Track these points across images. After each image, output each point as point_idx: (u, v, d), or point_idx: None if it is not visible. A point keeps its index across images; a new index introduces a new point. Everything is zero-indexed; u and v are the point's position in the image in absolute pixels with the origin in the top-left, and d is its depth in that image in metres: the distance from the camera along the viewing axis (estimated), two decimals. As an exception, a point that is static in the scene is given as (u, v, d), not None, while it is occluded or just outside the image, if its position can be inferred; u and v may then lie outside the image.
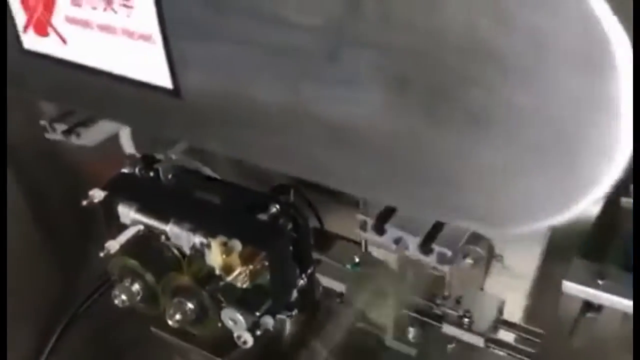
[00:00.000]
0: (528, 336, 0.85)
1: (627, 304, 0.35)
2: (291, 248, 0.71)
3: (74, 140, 0.61)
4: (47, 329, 0.85)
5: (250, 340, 0.73)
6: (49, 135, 0.64)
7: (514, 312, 1.03)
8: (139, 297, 0.79)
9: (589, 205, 0.30)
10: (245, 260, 0.68)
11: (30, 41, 0.47)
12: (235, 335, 0.73)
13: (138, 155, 0.79)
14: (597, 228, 0.39)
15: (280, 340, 0.87)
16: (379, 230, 0.54)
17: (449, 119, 0.32)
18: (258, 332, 0.69)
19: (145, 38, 0.40)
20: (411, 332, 0.86)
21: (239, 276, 0.68)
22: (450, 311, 0.88)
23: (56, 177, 0.85)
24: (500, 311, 0.95)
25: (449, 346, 0.84)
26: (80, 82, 0.46)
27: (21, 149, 0.79)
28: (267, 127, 0.39)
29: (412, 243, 0.53)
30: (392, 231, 0.54)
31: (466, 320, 0.88)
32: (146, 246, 0.79)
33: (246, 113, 0.39)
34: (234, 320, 0.71)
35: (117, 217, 0.78)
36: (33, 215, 0.84)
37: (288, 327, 0.88)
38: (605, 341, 0.36)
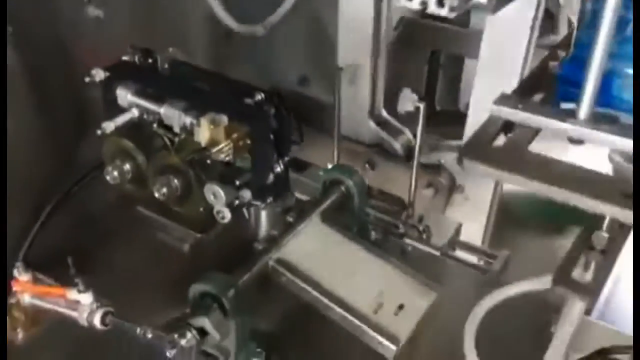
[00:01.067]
0: (484, 257, 0.97)
1: (537, 121, 0.44)
2: (272, 136, 0.80)
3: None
4: (38, 207, 0.92)
5: (228, 215, 0.81)
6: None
7: (474, 239, 1.14)
8: (129, 176, 0.86)
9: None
10: (229, 135, 0.76)
11: None
12: (215, 210, 0.81)
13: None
14: (526, 81, 0.48)
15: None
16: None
17: None
18: (237, 202, 0.77)
19: None
20: (373, 235, 0.95)
21: (224, 149, 0.76)
22: (411, 227, 0.98)
23: (58, 61, 0.92)
24: (458, 232, 1.06)
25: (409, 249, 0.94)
26: None
27: (28, 27, 0.85)
28: None
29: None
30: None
31: (425, 235, 0.98)
32: (139, 131, 0.87)
33: None
34: (215, 195, 0.79)
35: (115, 100, 0.86)
36: (33, 98, 0.91)
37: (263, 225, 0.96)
38: (517, 149, 0.45)
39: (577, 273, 0.53)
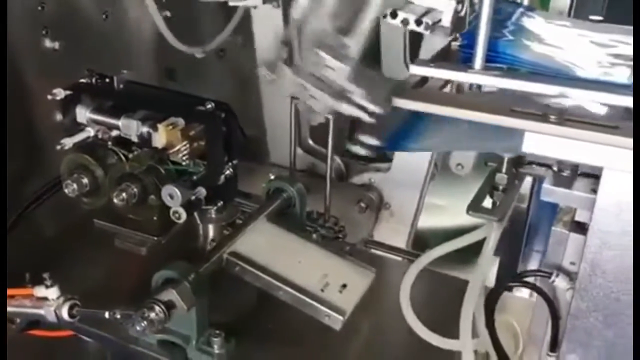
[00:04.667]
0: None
1: (445, 74, 0.58)
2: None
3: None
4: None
5: (184, 215, 0.89)
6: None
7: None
8: (87, 189, 0.93)
9: None
10: (185, 136, 0.86)
11: None
12: (172, 211, 0.89)
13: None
14: (435, 56, 0.62)
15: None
16: (394, 15, 0.60)
17: None
18: (193, 198, 0.86)
19: None
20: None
21: (181, 149, 0.86)
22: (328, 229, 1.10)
23: (13, 89, 0.98)
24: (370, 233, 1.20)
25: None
26: None
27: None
28: None
29: (411, 19, 0.60)
30: (401, 14, 0.60)
31: (341, 234, 1.10)
32: (95, 148, 0.95)
33: None
34: (172, 195, 0.87)
35: (74, 118, 0.94)
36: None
37: (211, 232, 1.05)
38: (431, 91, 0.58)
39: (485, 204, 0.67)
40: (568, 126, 0.50)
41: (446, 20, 0.60)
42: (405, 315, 0.78)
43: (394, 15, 0.61)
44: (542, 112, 0.51)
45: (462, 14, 0.59)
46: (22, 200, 0.98)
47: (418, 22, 0.61)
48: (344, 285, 0.88)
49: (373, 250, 1.15)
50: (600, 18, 0.75)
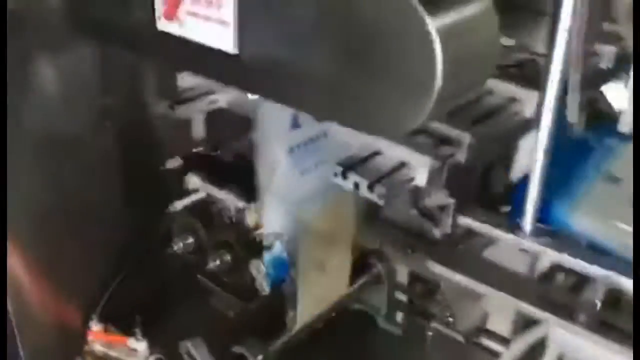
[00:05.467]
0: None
1: (489, 230, 0.55)
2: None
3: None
4: (116, 268, 1.10)
5: (267, 289, 0.95)
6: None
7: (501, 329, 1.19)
8: (191, 248, 1.03)
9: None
10: (273, 220, 0.91)
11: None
12: (257, 283, 0.95)
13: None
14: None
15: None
16: (344, 176, 0.62)
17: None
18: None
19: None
20: (399, 315, 1.05)
21: (266, 230, 0.91)
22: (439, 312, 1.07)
23: (145, 148, 1.11)
24: (483, 321, 1.13)
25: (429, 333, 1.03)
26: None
27: (127, 123, 1.06)
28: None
29: (362, 185, 0.61)
30: (352, 176, 0.61)
31: (451, 319, 1.06)
32: (203, 211, 1.04)
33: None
34: (258, 270, 0.94)
35: (186, 183, 1.04)
36: (123, 177, 1.10)
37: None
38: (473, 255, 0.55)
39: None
40: (595, 332, 0.46)
41: (421, 180, 0.55)
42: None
43: (344, 175, 0.56)
44: (575, 304, 0.48)
45: (461, 158, 0.52)
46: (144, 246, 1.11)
47: (371, 188, 0.55)
48: None
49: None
50: None
